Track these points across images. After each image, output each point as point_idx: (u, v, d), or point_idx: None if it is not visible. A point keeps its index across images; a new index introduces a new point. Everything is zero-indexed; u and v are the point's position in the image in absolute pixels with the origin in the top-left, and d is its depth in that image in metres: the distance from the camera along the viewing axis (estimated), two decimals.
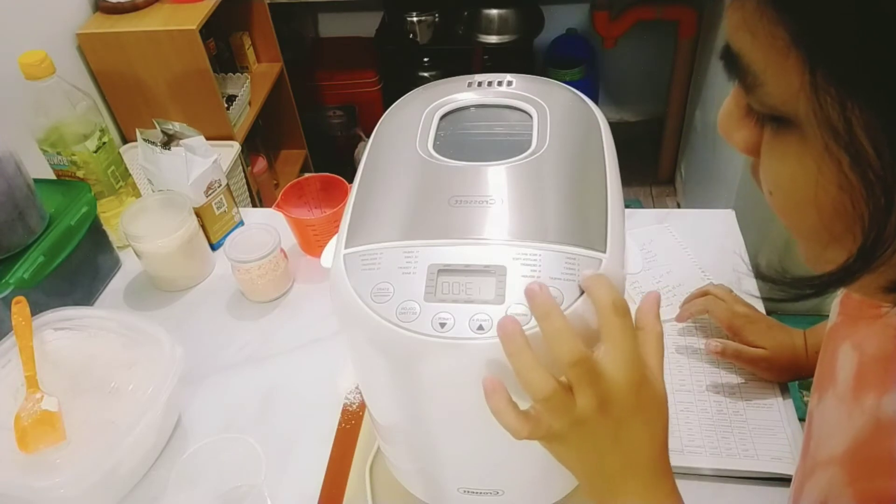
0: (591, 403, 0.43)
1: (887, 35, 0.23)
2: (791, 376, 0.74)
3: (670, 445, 0.69)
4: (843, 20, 0.23)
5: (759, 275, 0.33)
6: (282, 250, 0.92)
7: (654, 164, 2.52)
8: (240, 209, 1.05)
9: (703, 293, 0.80)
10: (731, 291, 0.79)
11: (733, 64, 0.29)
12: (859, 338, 0.43)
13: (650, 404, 0.45)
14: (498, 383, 0.45)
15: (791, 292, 0.31)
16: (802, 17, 0.25)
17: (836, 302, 0.49)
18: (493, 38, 2.17)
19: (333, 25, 2.56)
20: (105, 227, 0.97)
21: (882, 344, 0.40)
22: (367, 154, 0.58)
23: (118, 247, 1.01)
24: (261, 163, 2.04)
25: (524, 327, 0.44)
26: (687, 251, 0.94)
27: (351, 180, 0.59)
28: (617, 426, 0.44)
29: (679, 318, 0.82)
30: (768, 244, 1.59)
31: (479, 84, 0.63)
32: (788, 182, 0.30)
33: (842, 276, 0.28)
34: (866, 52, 0.23)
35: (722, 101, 0.34)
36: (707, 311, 0.78)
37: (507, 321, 0.43)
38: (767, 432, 0.70)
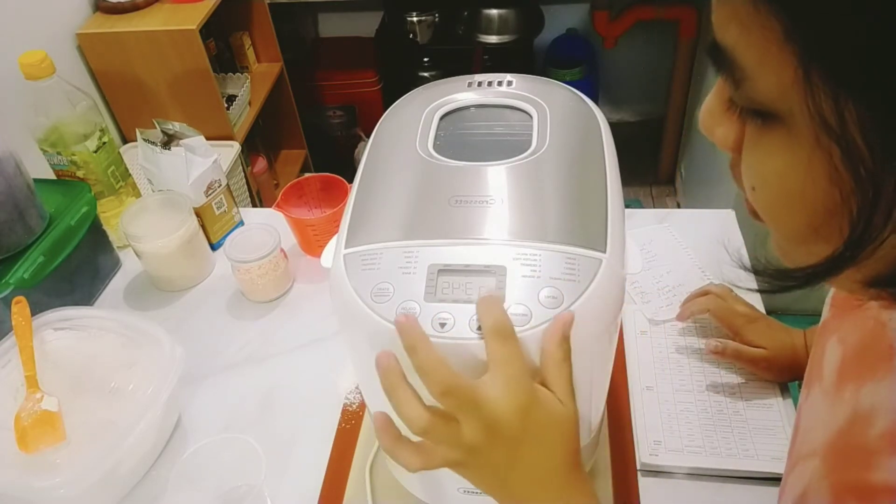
0: (477, 431, 0.43)
1: (882, 33, 0.23)
2: (791, 376, 0.74)
3: (670, 445, 0.70)
4: (838, 16, 0.23)
5: (742, 266, 0.33)
6: (282, 250, 0.92)
7: (654, 164, 2.52)
8: (240, 209, 1.05)
9: (704, 293, 0.80)
10: (732, 291, 0.79)
11: (721, 58, 0.29)
12: (845, 332, 0.43)
13: (543, 425, 0.45)
14: (386, 421, 0.46)
15: (775, 284, 0.31)
16: (797, 12, 0.25)
17: (828, 298, 0.49)
18: (493, 38, 2.17)
19: (333, 25, 2.56)
20: (105, 227, 0.97)
21: (862, 336, 0.41)
22: (367, 154, 0.58)
23: (118, 247, 1.01)
24: (261, 163, 2.04)
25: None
26: (687, 251, 0.94)
27: (351, 180, 0.59)
28: (511, 448, 0.44)
29: (679, 318, 0.82)
30: (768, 244, 1.59)
31: (479, 84, 0.63)
32: (775, 178, 0.30)
33: (828, 268, 0.28)
34: (861, 48, 0.23)
35: None
36: (707, 310, 0.78)
37: (383, 356, 0.45)
38: (767, 432, 0.70)
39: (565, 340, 0.45)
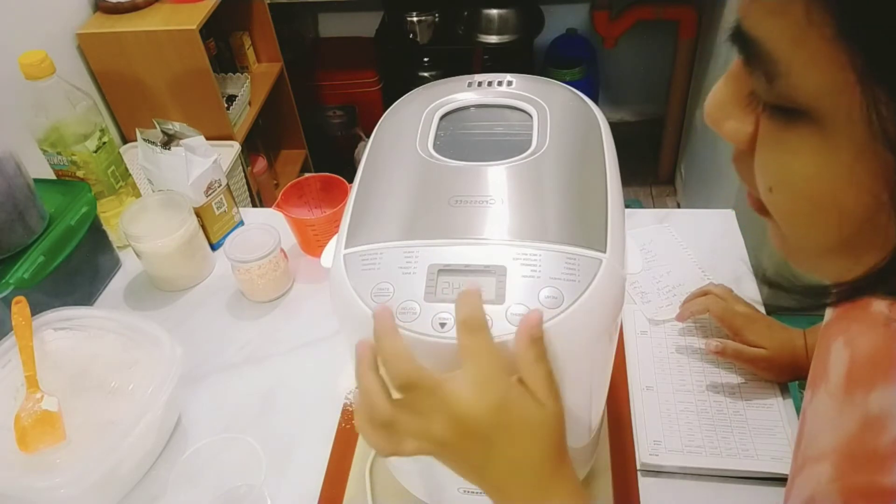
0: (445, 428, 0.43)
1: None
2: (791, 376, 0.75)
3: (670, 445, 0.70)
4: None
5: (766, 281, 0.31)
6: (282, 250, 0.92)
7: (654, 164, 2.52)
8: (240, 209, 1.05)
9: (704, 292, 0.80)
10: (732, 291, 0.79)
11: (751, 50, 0.27)
12: (851, 334, 0.43)
13: (517, 425, 0.44)
14: (359, 404, 0.46)
15: (805, 302, 0.30)
16: (856, 9, 0.22)
17: None
18: (493, 38, 2.17)
19: (333, 25, 2.56)
20: (105, 227, 0.97)
21: (872, 340, 0.40)
22: (367, 154, 0.58)
23: (118, 247, 1.01)
24: (261, 163, 2.04)
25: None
26: (687, 251, 0.94)
27: (351, 180, 0.59)
28: (484, 445, 0.44)
29: (679, 318, 0.82)
30: (769, 244, 1.59)
31: (479, 84, 0.63)
32: (801, 181, 0.27)
33: (873, 281, 0.27)
34: None
35: None
36: (707, 310, 0.78)
37: (360, 345, 0.46)
38: (767, 432, 0.71)
39: (535, 341, 0.44)
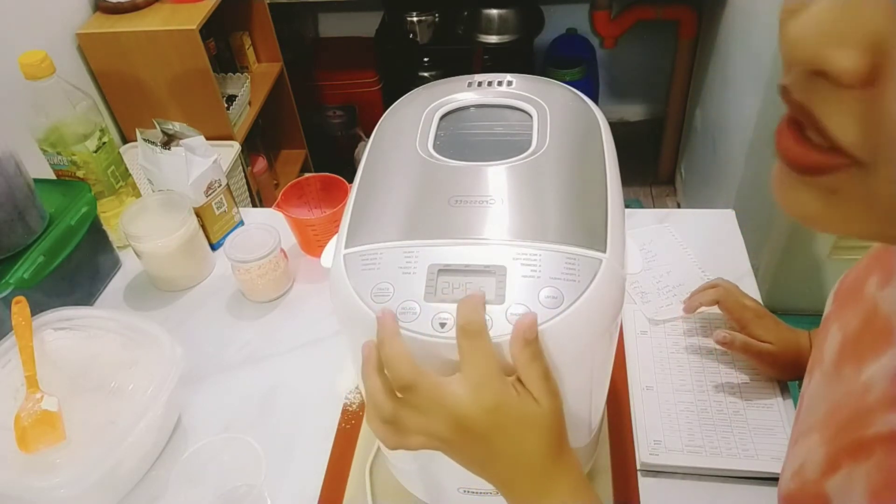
0: (446, 427, 0.45)
1: None
2: (793, 374, 0.75)
3: (670, 445, 0.70)
4: None
5: None
6: (282, 250, 0.92)
7: (654, 164, 2.52)
8: (240, 209, 1.05)
9: (713, 286, 0.80)
10: (738, 287, 0.79)
11: None
12: (845, 320, 0.44)
13: (514, 424, 0.45)
14: (367, 402, 0.49)
15: None
16: None
17: (830, 295, 0.50)
18: (493, 38, 2.17)
19: (333, 25, 2.56)
20: (105, 227, 0.97)
21: (860, 318, 0.42)
22: (367, 154, 0.58)
23: (118, 247, 1.01)
24: (261, 163, 2.04)
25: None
26: (687, 251, 0.94)
27: (351, 180, 0.59)
28: (484, 444, 0.45)
29: (687, 309, 0.81)
30: (769, 244, 1.59)
31: (479, 84, 0.63)
32: None
33: None
34: None
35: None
36: (717, 301, 0.78)
37: (365, 346, 0.47)
38: (767, 432, 0.71)
39: (529, 343, 0.44)
